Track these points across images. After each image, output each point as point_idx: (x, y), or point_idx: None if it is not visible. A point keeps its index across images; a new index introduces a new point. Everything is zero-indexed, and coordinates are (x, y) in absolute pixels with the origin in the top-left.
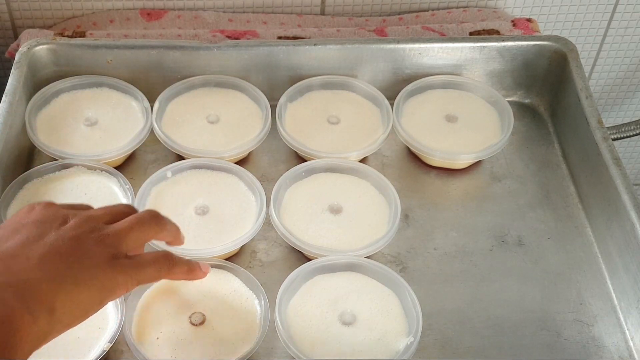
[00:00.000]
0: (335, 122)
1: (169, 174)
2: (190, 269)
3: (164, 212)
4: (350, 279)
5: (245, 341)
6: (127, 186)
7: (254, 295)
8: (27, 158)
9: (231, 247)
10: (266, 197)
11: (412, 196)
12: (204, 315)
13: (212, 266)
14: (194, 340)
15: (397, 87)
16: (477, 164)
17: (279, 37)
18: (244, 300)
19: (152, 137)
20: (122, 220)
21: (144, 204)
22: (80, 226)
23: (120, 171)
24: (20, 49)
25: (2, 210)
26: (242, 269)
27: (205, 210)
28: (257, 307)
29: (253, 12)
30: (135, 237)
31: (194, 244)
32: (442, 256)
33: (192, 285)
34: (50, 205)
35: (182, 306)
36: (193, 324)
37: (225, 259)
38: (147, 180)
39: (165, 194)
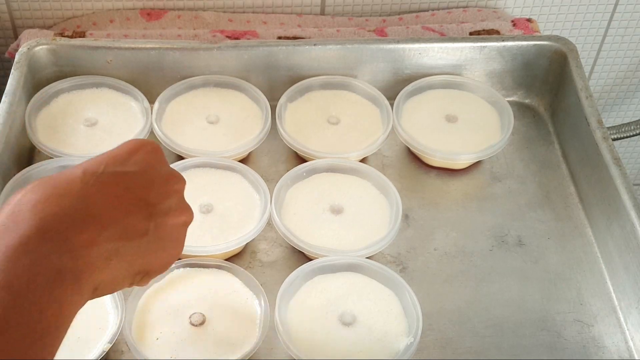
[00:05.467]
0: (335, 122)
1: None
2: None
3: None
4: (351, 280)
5: (245, 341)
6: None
7: (254, 296)
8: (27, 158)
9: (235, 245)
10: None
11: (412, 196)
12: (204, 315)
13: (212, 266)
14: (193, 341)
15: (397, 87)
16: (477, 164)
17: (279, 37)
18: (244, 300)
19: (152, 137)
20: None
21: None
22: None
23: None
24: (20, 49)
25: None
26: (242, 269)
27: (210, 209)
28: (257, 307)
29: (253, 12)
30: None
31: (199, 241)
32: (442, 256)
33: (192, 285)
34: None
35: (182, 306)
36: (193, 324)
37: (227, 259)
38: None
39: None
